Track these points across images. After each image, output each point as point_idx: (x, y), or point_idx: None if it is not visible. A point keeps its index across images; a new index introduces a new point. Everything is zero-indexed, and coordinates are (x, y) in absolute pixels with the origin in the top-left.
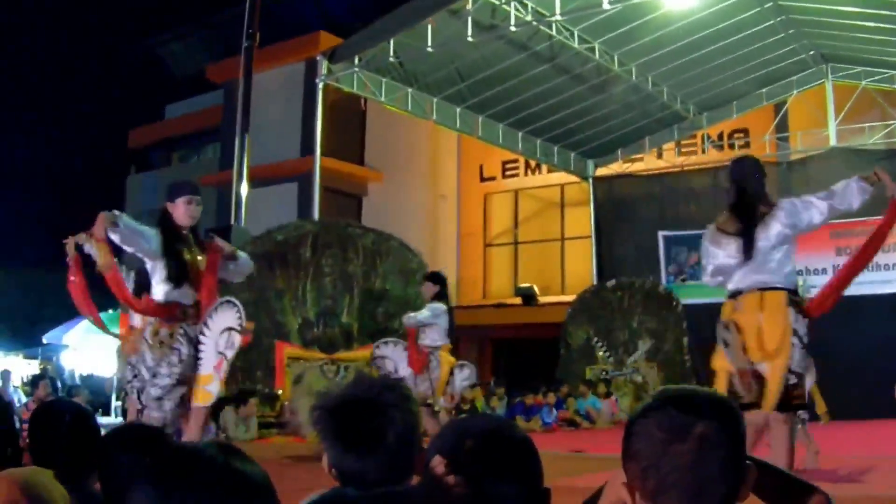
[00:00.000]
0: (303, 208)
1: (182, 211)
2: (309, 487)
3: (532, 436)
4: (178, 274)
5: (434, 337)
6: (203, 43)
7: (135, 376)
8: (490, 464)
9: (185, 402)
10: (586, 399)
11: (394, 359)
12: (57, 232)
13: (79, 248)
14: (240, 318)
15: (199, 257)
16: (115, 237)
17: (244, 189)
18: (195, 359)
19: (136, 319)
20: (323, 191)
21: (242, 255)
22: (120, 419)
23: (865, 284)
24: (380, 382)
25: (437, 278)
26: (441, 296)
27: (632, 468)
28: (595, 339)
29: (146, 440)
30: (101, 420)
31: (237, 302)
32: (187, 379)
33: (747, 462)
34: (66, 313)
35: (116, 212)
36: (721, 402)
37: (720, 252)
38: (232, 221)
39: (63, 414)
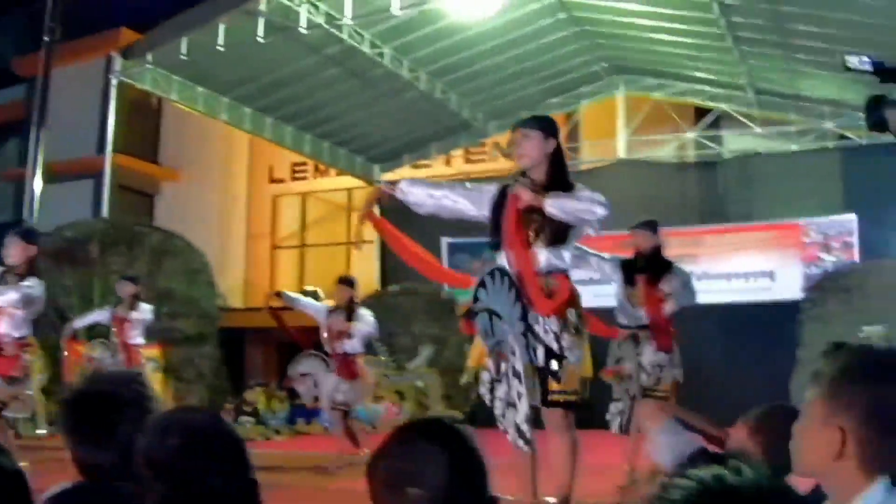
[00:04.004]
0: (98, 206)
1: None
2: None
3: (310, 439)
4: None
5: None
6: (10, 36)
7: None
8: (196, 459)
9: None
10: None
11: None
12: None
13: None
14: None
15: None
16: None
17: (38, 185)
18: None
19: None
20: (117, 189)
21: None
22: None
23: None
24: (116, 377)
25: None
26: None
27: None
28: (378, 343)
29: None
30: None
31: None
32: None
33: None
34: None
35: None
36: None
37: None
38: (24, 217)
39: None
